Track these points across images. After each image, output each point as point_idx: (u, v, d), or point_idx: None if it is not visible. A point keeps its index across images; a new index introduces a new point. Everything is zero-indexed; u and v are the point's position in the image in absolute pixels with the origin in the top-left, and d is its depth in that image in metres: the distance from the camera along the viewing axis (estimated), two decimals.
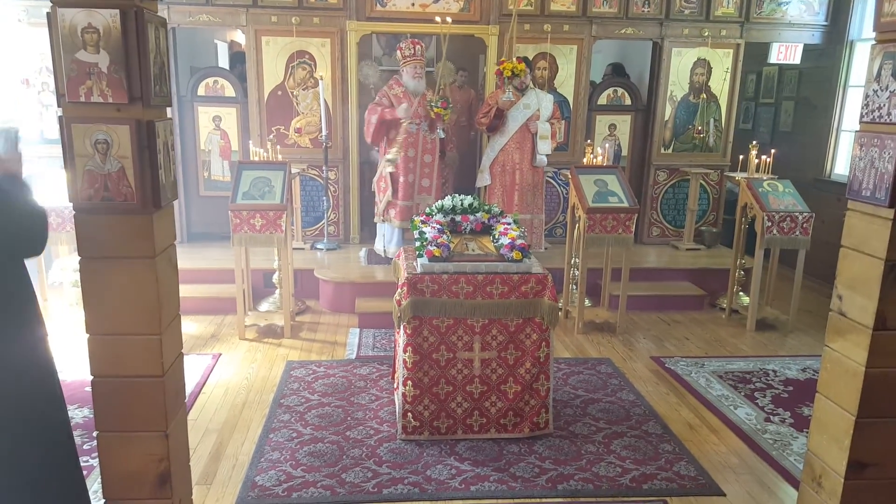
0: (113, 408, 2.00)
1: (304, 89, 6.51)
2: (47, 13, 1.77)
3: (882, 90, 2.14)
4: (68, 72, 1.77)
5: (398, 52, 5.91)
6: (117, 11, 1.75)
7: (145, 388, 1.97)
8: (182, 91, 6.57)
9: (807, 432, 3.44)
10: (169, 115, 2.04)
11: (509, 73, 5.84)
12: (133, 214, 1.86)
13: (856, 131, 2.28)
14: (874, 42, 2.20)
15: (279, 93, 6.50)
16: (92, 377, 1.97)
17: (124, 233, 1.86)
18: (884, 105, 2.13)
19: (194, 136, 6.66)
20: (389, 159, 5.83)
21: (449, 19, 5.90)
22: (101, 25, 1.75)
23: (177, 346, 2.11)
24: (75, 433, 3.52)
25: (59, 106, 1.81)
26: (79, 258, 1.88)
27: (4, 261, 1.97)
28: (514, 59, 6.00)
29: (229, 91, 6.64)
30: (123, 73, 1.78)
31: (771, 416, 4.00)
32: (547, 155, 6.11)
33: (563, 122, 6.35)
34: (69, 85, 1.77)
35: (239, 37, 8.50)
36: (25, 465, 2.06)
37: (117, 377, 1.96)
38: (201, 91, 6.60)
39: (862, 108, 2.26)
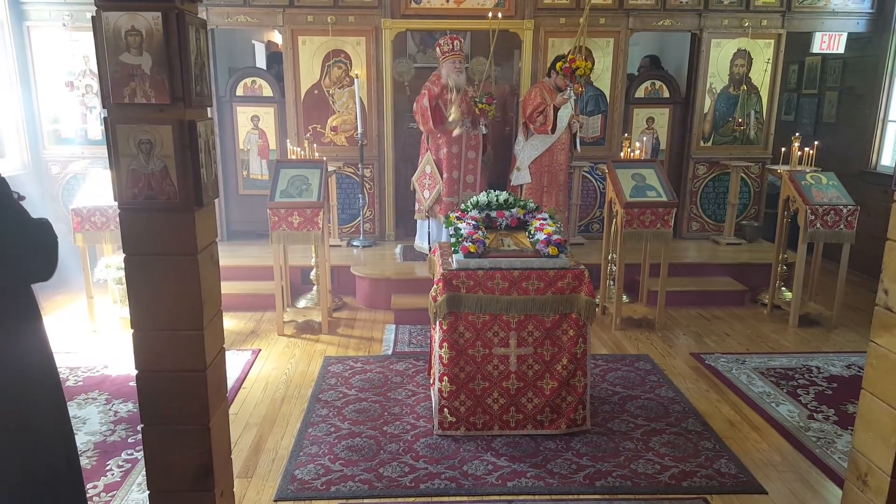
0: (157, 401, 2.05)
1: (339, 88, 6.57)
2: (92, 17, 1.82)
3: None
4: (112, 74, 1.81)
5: (437, 48, 5.89)
6: (159, 14, 1.79)
7: (188, 382, 2.02)
8: (221, 91, 6.69)
9: (851, 430, 3.35)
10: (209, 115, 2.08)
11: (582, 72, 5.65)
12: (176, 213, 1.90)
13: None
14: None
15: (315, 92, 6.57)
16: (137, 371, 2.02)
17: (168, 230, 1.91)
18: None
19: (233, 136, 6.78)
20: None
21: (500, 15, 5.83)
22: (144, 28, 1.80)
23: (219, 340, 2.15)
24: (120, 426, 3.65)
25: (104, 107, 1.86)
26: (124, 256, 1.93)
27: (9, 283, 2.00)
28: (582, 57, 5.78)
29: (267, 91, 6.74)
30: (165, 74, 1.82)
31: (814, 414, 3.91)
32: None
33: (599, 115, 6.29)
34: (113, 87, 1.82)
35: (276, 37, 8.61)
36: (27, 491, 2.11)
37: (161, 371, 2.01)
38: (240, 91, 6.72)
39: None
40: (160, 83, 1.82)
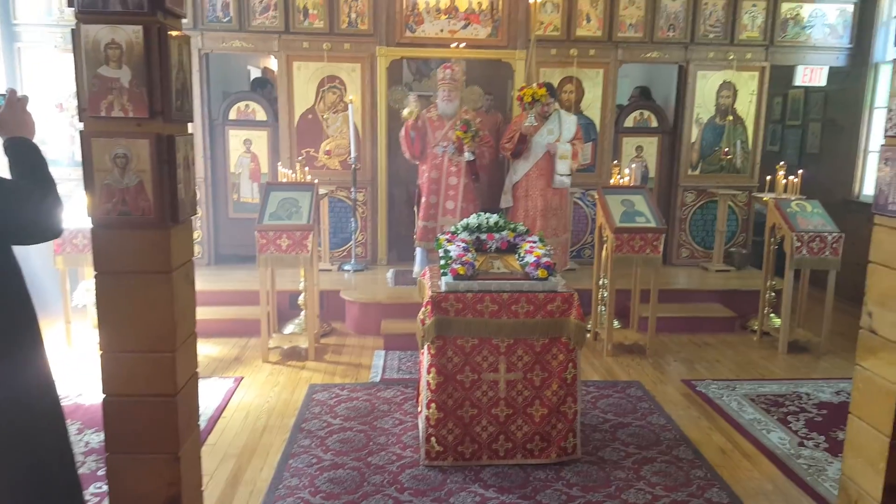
0: (124, 428, 1.95)
1: (334, 112, 6.59)
2: (72, 30, 1.79)
3: None
4: (90, 87, 1.78)
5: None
6: (140, 28, 1.76)
7: (157, 408, 1.93)
8: (214, 115, 6.68)
9: (842, 457, 3.29)
10: (190, 131, 2.04)
11: (529, 99, 5.79)
12: (150, 229, 1.84)
13: (881, 146, 2.22)
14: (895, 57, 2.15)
15: (309, 116, 6.58)
16: (104, 396, 1.94)
17: (141, 247, 1.85)
18: None
19: (224, 159, 6.75)
20: (405, 115, 5.88)
21: (463, 44, 5.95)
22: (124, 41, 1.77)
23: (191, 364, 2.07)
24: (91, 458, 3.52)
25: (80, 121, 1.82)
26: (95, 273, 1.87)
27: None
28: (535, 84, 5.96)
29: (260, 115, 6.74)
30: (145, 87, 1.78)
31: (805, 441, 3.85)
32: (567, 176, 5.98)
33: (590, 143, 6.29)
34: (91, 100, 1.79)
35: (272, 63, 8.66)
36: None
37: (129, 396, 1.92)
38: (233, 115, 6.71)
39: (886, 122, 2.21)
40: (138, 96, 1.78)
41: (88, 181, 1.82)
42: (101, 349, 1.91)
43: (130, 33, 1.77)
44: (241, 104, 6.73)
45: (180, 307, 1.92)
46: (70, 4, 1.74)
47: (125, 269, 1.86)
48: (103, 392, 1.93)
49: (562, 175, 5.96)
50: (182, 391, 1.97)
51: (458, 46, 5.89)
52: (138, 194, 1.82)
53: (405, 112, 5.84)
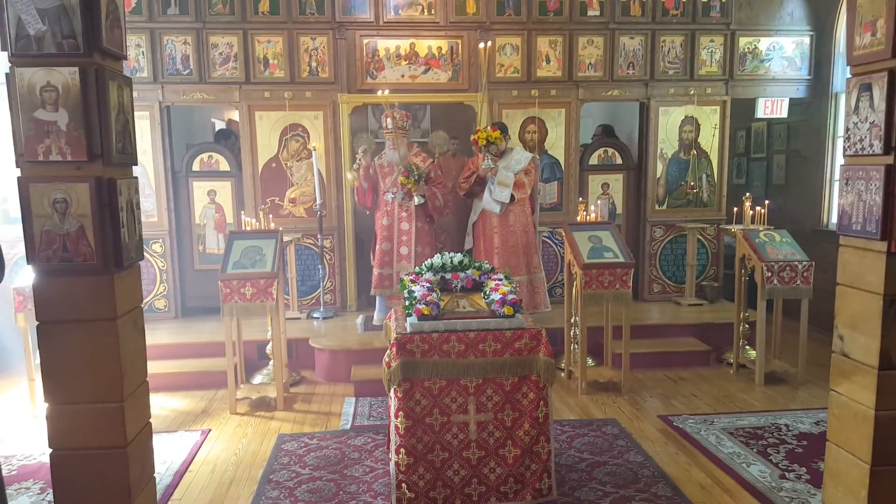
0: (73, 484, 1.85)
1: (297, 160, 6.59)
2: (6, 73, 1.75)
3: (862, 122, 2.11)
4: (26, 131, 1.74)
5: None
6: (76, 69, 1.74)
7: (107, 461, 1.84)
8: (177, 167, 6.64)
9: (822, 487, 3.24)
10: (134, 174, 1.99)
11: (483, 143, 5.83)
12: (93, 275, 1.78)
13: (841, 165, 2.24)
14: (850, 76, 2.19)
15: (273, 165, 6.57)
16: (50, 450, 1.84)
17: (84, 295, 1.78)
18: (865, 137, 2.09)
19: (189, 211, 6.68)
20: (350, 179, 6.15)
21: (387, 91, 6.09)
22: (60, 84, 1.73)
23: (143, 415, 1.99)
24: None
25: (17, 166, 1.77)
26: (37, 323, 1.79)
27: None
28: (489, 126, 6.00)
29: (224, 165, 6.71)
30: (83, 130, 1.75)
31: (786, 473, 3.78)
32: (498, 203, 5.90)
33: (555, 182, 6.31)
34: (27, 144, 1.74)
35: (237, 115, 8.68)
36: None
37: (77, 450, 1.83)
38: (196, 167, 6.67)
39: (844, 141, 2.23)
40: (76, 139, 1.74)
41: (27, 228, 1.76)
42: (45, 401, 1.81)
43: (66, 75, 1.74)
44: (205, 155, 6.71)
45: (128, 355, 1.84)
46: (3, 48, 1.71)
47: (68, 317, 1.79)
48: (49, 446, 1.83)
49: (496, 200, 5.89)
50: (133, 443, 1.87)
51: (383, 93, 5.97)
52: (79, 240, 1.76)
53: (349, 176, 5.90)
